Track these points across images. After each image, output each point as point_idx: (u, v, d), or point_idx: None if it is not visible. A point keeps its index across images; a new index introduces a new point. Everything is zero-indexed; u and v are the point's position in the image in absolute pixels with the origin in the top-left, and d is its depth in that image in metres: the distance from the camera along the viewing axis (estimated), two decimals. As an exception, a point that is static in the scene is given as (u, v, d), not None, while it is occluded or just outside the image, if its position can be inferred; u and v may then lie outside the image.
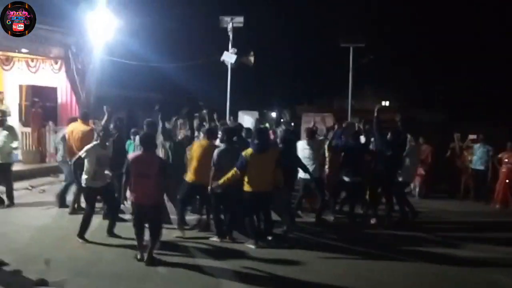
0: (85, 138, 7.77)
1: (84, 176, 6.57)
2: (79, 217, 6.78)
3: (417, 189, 11.56)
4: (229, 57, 12.98)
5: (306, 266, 6.04)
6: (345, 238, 7.52)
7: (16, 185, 10.27)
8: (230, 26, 12.97)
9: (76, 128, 8.24)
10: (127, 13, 14.10)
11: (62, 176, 9.64)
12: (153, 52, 17.51)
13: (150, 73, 19.84)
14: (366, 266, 6.18)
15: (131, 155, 6.22)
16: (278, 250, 6.62)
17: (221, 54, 13.23)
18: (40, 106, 12.40)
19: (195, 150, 7.19)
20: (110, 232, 6.84)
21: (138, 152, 6.10)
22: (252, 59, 13.35)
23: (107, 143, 6.93)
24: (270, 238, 6.95)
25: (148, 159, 5.89)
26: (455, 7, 33.31)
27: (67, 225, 7.36)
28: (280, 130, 8.83)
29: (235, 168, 6.53)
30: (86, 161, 6.56)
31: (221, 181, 6.57)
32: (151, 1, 20.30)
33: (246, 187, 6.62)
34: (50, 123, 12.66)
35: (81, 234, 6.54)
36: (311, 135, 8.61)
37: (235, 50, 13.06)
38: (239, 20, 13.03)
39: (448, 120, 27.95)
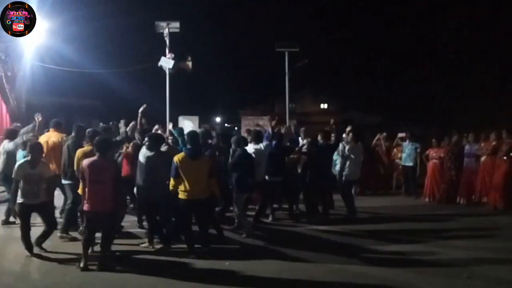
0: (60, 147, 7.61)
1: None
2: (8, 231, 6.56)
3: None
4: (166, 62, 12.90)
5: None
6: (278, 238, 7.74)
7: None
8: (166, 31, 12.90)
9: (50, 138, 7.96)
10: (60, 18, 13.72)
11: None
12: (89, 58, 17.11)
13: (88, 79, 19.37)
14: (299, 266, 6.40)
15: (86, 160, 5.93)
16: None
17: (159, 59, 13.14)
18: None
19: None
20: (38, 244, 6.47)
21: (94, 157, 5.93)
22: (190, 64, 13.33)
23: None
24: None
25: (104, 165, 5.83)
26: (391, 10, 34.86)
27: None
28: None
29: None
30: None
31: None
32: (85, 6, 19.84)
33: (180, 194, 6.43)
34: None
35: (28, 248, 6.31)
36: (258, 139, 8.51)
37: (173, 55, 13.01)
38: (175, 25, 12.97)
39: (383, 121, 29.27)
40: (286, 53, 15.01)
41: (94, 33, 20.58)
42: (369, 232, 8.10)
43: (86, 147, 7.01)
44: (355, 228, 8.30)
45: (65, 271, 5.80)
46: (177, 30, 12.95)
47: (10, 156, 8.14)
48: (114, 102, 24.06)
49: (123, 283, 5.46)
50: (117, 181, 5.90)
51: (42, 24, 12.85)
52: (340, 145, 9.54)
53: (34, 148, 6.41)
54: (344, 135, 9.92)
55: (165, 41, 12.96)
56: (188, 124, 13.58)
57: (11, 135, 8.62)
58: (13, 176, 6.23)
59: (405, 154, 11.85)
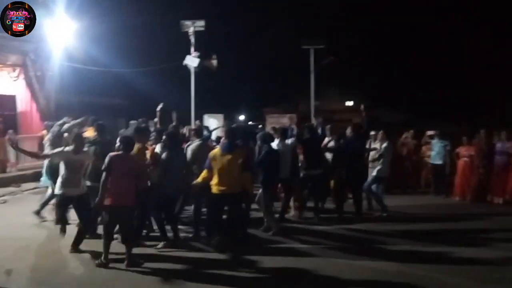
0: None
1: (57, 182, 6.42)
2: (41, 227, 6.68)
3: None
4: (191, 61, 13.02)
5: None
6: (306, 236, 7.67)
7: (-25, 196, 10.09)
8: (191, 30, 13.01)
9: None
10: (87, 19, 13.94)
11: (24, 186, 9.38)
12: (115, 57, 17.34)
13: (114, 78, 19.62)
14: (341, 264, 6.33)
15: (113, 153, 6.00)
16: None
17: (184, 58, 13.24)
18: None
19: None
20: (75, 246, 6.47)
21: (119, 152, 5.97)
22: (214, 62, 13.41)
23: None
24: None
25: (129, 160, 5.90)
26: (417, 7, 34.25)
27: (28, 235, 7.22)
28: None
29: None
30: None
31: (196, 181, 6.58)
32: (112, 6, 20.07)
33: (212, 188, 6.54)
34: (11, 131, 12.35)
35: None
36: (284, 136, 8.53)
37: (198, 54, 13.10)
38: (201, 24, 13.09)
39: (411, 119, 28.75)
40: (312, 50, 14.91)
41: (120, 32, 20.81)
42: (399, 231, 7.92)
43: (139, 144, 6.99)
44: (383, 227, 8.14)
45: (92, 267, 5.87)
46: (202, 29, 13.05)
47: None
48: (140, 101, 24.26)
49: (148, 281, 5.48)
50: (140, 176, 5.94)
51: (70, 25, 13.13)
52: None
53: (78, 137, 6.56)
54: (371, 133, 9.75)
55: (190, 40, 13.08)
56: (213, 122, 13.65)
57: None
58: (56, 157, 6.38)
59: (434, 152, 11.59)
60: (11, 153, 12.09)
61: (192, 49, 13.22)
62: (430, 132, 12.33)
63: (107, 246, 5.85)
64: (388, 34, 35.29)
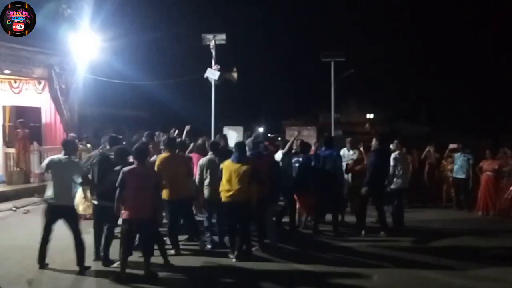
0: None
1: None
2: (62, 238, 6.75)
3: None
4: (212, 73, 13.12)
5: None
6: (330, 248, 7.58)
7: (0, 206, 10.30)
8: (212, 43, 13.13)
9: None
10: (110, 32, 14.22)
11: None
12: (137, 70, 17.62)
13: (135, 91, 19.93)
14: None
15: (126, 168, 5.96)
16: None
17: (205, 71, 13.36)
18: (25, 126, 12.37)
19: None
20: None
21: (133, 165, 5.96)
22: (235, 75, 13.49)
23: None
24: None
25: (144, 172, 5.92)
26: (438, 19, 34.06)
27: (49, 245, 7.30)
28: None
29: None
30: None
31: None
32: (134, 20, 20.48)
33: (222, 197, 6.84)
34: (35, 143, 12.62)
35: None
36: (305, 149, 8.72)
37: (218, 67, 13.21)
38: (221, 37, 13.20)
39: (431, 132, 28.35)
40: (332, 63, 14.90)
41: (142, 45, 21.20)
42: (421, 247, 7.81)
43: (164, 154, 7.11)
44: (404, 242, 8.01)
45: (112, 278, 5.89)
46: (223, 42, 13.15)
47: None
48: (161, 113, 24.62)
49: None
50: (157, 188, 5.97)
51: (94, 39, 13.42)
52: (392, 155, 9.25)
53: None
54: (391, 146, 9.64)
55: (211, 53, 13.20)
56: (232, 134, 13.68)
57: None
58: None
59: (457, 166, 11.40)
60: (35, 164, 12.33)
61: (213, 62, 13.34)
62: (452, 146, 12.13)
63: (125, 260, 5.88)
64: (409, 47, 35.06)
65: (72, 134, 12.06)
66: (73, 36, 13.28)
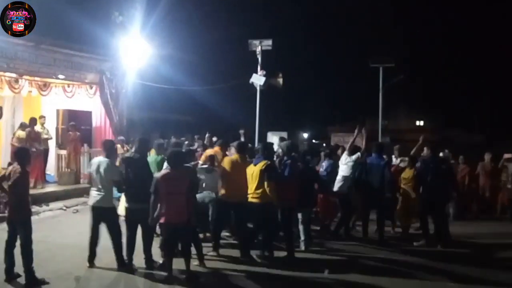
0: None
1: None
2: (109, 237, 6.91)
3: (451, 210, 11.18)
4: (258, 79, 13.16)
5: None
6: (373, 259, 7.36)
7: (51, 205, 10.71)
8: (259, 49, 13.18)
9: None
10: (159, 39, 14.57)
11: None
12: (183, 75, 17.95)
13: (181, 96, 20.28)
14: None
15: (159, 174, 6.06)
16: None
17: (250, 76, 13.42)
18: (76, 129, 12.81)
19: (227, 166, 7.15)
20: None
21: (167, 170, 6.05)
22: (280, 80, 13.48)
23: None
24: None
25: (178, 176, 5.92)
26: (490, 24, 32.77)
27: (100, 244, 7.47)
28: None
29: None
30: None
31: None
32: (181, 27, 20.88)
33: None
34: (85, 145, 13.05)
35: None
36: (353, 151, 8.45)
37: (264, 72, 13.23)
38: (268, 43, 13.23)
39: (486, 140, 27.15)
40: (381, 69, 14.58)
41: (188, 51, 21.58)
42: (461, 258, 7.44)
43: (235, 156, 7.23)
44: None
45: (156, 280, 5.97)
46: (270, 48, 13.17)
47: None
48: (206, 118, 24.95)
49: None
50: (190, 192, 5.95)
51: (144, 45, 13.79)
52: None
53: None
54: (441, 154, 9.28)
55: (257, 58, 13.24)
56: (276, 140, 13.62)
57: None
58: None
59: (513, 176, 10.83)
60: (85, 166, 12.72)
61: (259, 67, 13.38)
62: (508, 155, 11.52)
63: (169, 262, 5.92)
64: (462, 52, 33.83)
65: (120, 138, 12.40)
66: (124, 42, 13.70)
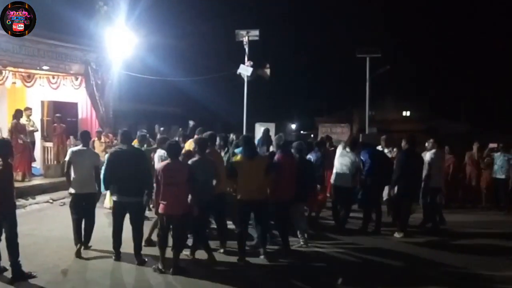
0: None
1: None
2: (96, 229, 6.89)
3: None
4: (245, 70, 13.13)
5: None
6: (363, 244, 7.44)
7: (38, 198, 10.61)
8: (245, 39, 13.14)
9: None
10: (145, 29, 14.43)
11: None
12: (170, 66, 17.83)
13: (168, 87, 20.15)
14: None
15: (159, 164, 6.16)
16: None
17: (237, 67, 13.38)
18: (62, 121, 12.66)
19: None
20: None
21: (167, 161, 6.03)
22: (268, 71, 13.46)
23: None
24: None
25: (177, 167, 5.94)
26: (477, 13, 33.00)
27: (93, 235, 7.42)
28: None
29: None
30: None
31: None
32: (168, 17, 20.70)
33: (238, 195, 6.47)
34: (71, 137, 12.91)
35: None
36: (354, 145, 8.45)
37: (251, 63, 13.20)
38: (255, 33, 13.19)
39: (471, 130, 27.47)
40: (367, 59, 14.64)
41: (175, 42, 21.41)
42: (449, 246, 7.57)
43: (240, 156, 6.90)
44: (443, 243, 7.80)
45: (144, 272, 5.97)
46: (257, 38, 13.14)
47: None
48: (193, 109, 24.84)
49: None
50: (190, 183, 5.94)
51: (129, 35, 13.64)
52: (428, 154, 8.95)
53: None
54: (426, 144, 9.37)
55: (245, 49, 13.20)
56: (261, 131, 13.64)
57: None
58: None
59: (497, 166, 10.97)
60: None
61: (246, 58, 13.34)
62: (492, 145, 11.68)
63: (162, 252, 5.95)
64: (448, 43, 34.10)
65: (98, 129, 12.35)
66: (109, 32, 13.53)
